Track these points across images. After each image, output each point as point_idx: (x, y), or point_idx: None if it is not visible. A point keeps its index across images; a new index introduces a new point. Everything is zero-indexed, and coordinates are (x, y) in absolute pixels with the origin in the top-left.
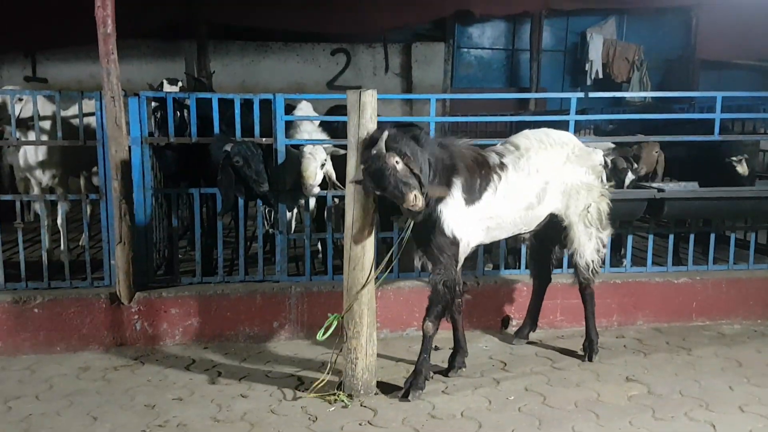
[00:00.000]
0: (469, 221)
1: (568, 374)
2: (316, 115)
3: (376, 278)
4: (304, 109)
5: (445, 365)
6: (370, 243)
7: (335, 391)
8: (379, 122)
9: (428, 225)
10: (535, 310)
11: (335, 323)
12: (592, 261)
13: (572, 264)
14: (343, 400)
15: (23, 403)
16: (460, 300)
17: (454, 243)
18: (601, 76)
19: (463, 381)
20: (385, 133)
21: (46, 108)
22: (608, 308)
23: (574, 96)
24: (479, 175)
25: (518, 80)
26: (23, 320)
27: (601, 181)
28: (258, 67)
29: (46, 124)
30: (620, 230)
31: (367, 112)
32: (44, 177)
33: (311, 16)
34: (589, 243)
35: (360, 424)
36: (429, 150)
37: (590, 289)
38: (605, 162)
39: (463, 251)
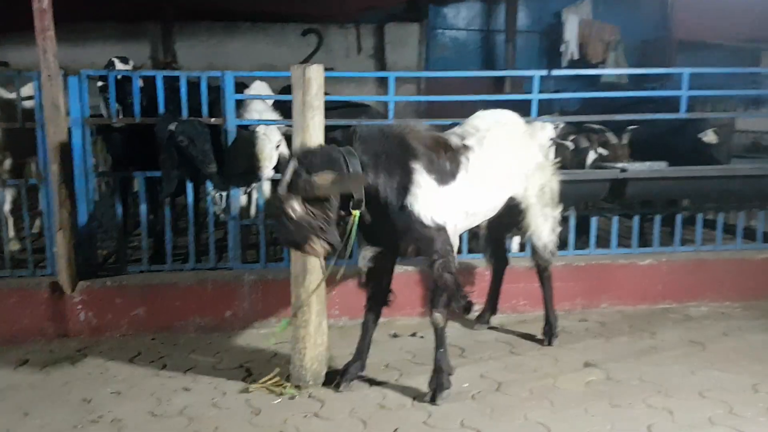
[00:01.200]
0: (448, 202)
1: (525, 360)
2: (271, 94)
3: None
4: (257, 88)
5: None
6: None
7: (283, 382)
8: (327, 100)
9: (402, 218)
10: (495, 294)
11: (284, 328)
12: (550, 241)
13: (530, 247)
14: (290, 392)
15: None
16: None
17: (440, 228)
18: (576, 57)
19: (417, 368)
20: (291, 166)
21: None
22: (571, 291)
23: (536, 74)
24: (444, 155)
25: (494, 62)
26: None
27: (549, 158)
28: (226, 49)
29: None
30: (585, 212)
31: (313, 88)
32: None
33: None
34: (545, 224)
35: (305, 417)
36: (365, 149)
37: (548, 272)
38: (574, 143)
39: (453, 233)
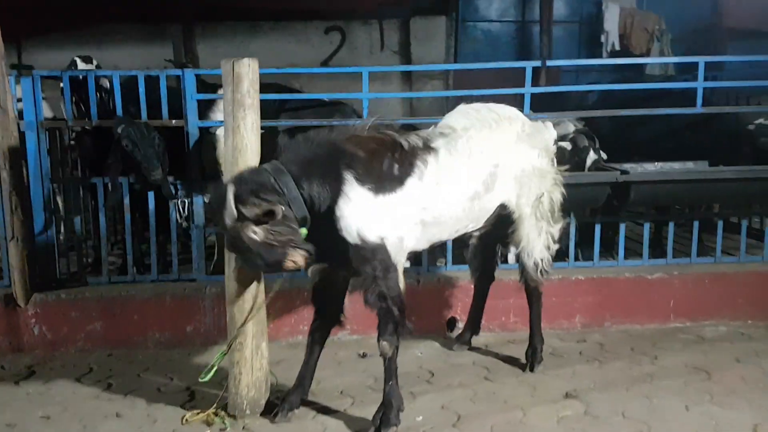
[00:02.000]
0: (390, 213)
1: (499, 388)
2: None
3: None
4: None
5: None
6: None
7: (217, 410)
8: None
9: (331, 233)
10: (477, 313)
11: (220, 360)
12: (542, 260)
13: (519, 264)
14: (221, 423)
15: None
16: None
17: (374, 247)
18: (618, 48)
19: (374, 396)
20: (230, 195)
21: None
22: (569, 308)
23: (529, 65)
24: (391, 158)
25: (530, 54)
26: None
27: (554, 164)
28: (248, 49)
29: None
30: (588, 219)
31: (243, 85)
32: None
33: None
34: (539, 239)
35: None
36: (294, 160)
37: (538, 291)
38: (572, 142)
39: (396, 250)
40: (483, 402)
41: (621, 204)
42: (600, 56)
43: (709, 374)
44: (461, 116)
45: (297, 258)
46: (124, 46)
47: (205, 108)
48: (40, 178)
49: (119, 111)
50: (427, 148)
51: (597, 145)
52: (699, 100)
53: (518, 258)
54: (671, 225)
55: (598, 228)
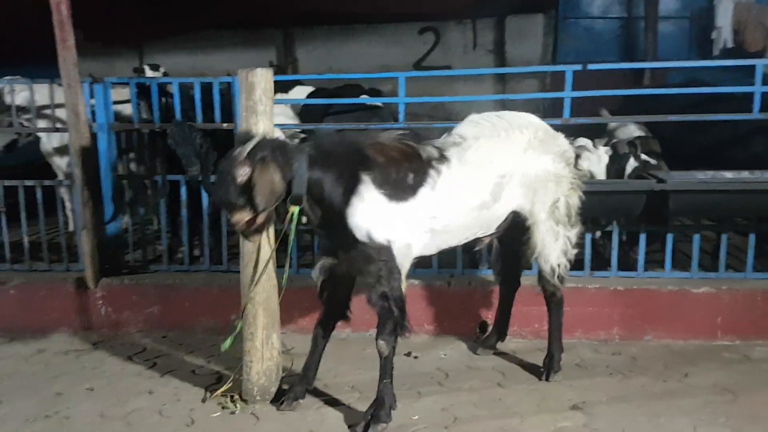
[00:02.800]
0: (400, 220)
1: (507, 394)
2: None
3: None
4: (296, 92)
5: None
6: (264, 237)
7: (235, 395)
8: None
9: (340, 229)
10: (503, 318)
11: (241, 328)
12: (559, 265)
13: (536, 269)
14: (233, 407)
15: None
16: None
17: (380, 248)
18: (730, 45)
19: None
20: (255, 140)
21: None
22: (607, 319)
23: (570, 69)
24: (408, 168)
25: (635, 52)
26: (2, 301)
27: (572, 169)
28: (343, 52)
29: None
30: (633, 228)
31: (255, 93)
32: (62, 163)
33: None
34: (556, 244)
35: None
36: (320, 151)
37: (557, 297)
38: (612, 148)
39: (402, 255)
40: (485, 407)
41: (659, 214)
42: (710, 54)
43: (735, 396)
44: (472, 126)
45: (240, 218)
46: (230, 51)
47: None
48: (110, 174)
49: (178, 115)
50: (442, 158)
51: (639, 152)
52: (756, 105)
53: (535, 264)
54: (723, 237)
55: (643, 238)
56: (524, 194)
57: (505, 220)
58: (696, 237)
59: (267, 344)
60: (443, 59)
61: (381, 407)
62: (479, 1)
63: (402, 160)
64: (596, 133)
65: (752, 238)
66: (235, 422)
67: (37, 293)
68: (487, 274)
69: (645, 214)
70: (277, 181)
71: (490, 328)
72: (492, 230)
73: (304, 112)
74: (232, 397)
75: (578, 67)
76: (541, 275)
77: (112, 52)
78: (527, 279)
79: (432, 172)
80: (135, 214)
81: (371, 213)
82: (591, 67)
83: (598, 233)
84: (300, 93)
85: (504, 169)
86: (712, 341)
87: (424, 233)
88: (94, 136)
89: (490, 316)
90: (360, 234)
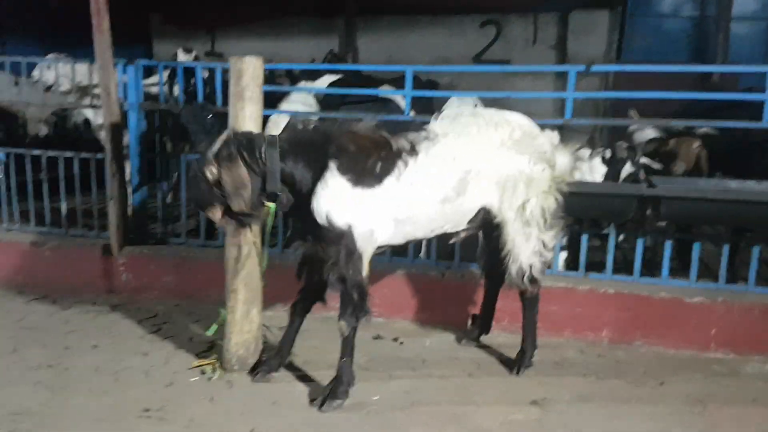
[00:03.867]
0: (363, 206)
1: (473, 385)
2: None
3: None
4: (325, 80)
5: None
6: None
7: (215, 363)
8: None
9: (306, 213)
10: (487, 312)
11: (225, 317)
12: (530, 266)
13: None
14: (211, 373)
15: None
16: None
17: (340, 232)
18: None
19: (358, 374)
20: (224, 136)
21: None
22: (597, 321)
23: (573, 69)
24: (377, 156)
25: (707, 54)
26: (38, 261)
27: (551, 171)
28: (405, 42)
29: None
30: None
31: (243, 80)
32: None
33: None
34: (526, 245)
35: (202, 398)
36: (291, 141)
37: (529, 295)
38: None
39: (363, 241)
40: (447, 394)
41: (651, 220)
42: None
43: (704, 406)
44: (445, 122)
45: (216, 215)
46: (297, 38)
47: (279, 99)
48: (138, 150)
49: (200, 97)
50: (412, 150)
51: (638, 158)
52: (766, 114)
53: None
54: (725, 247)
55: (640, 243)
56: (493, 192)
57: (476, 216)
58: (696, 245)
59: (246, 318)
60: (503, 53)
61: (339, 384)
62: None
63: (372, 149)
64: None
65: (756, 251)
66: (210, 387)
67: (69, 256)
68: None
69: (639, 219)
70: (244, 176)
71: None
72: (463, 225)
73: (325, 102)
74: (213, 364)
75: (581, 68)
76: (509, 275)
77: (188, 36)
78: None
79: (400, 162)
80: (158, 189)
81: (332, 198)
82: (594, 68)
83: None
84: (328, 82)
85: (469, 166)
86: (704, 353)
87: (389, 221)
88: (125, 114)
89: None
90: (321, 218)
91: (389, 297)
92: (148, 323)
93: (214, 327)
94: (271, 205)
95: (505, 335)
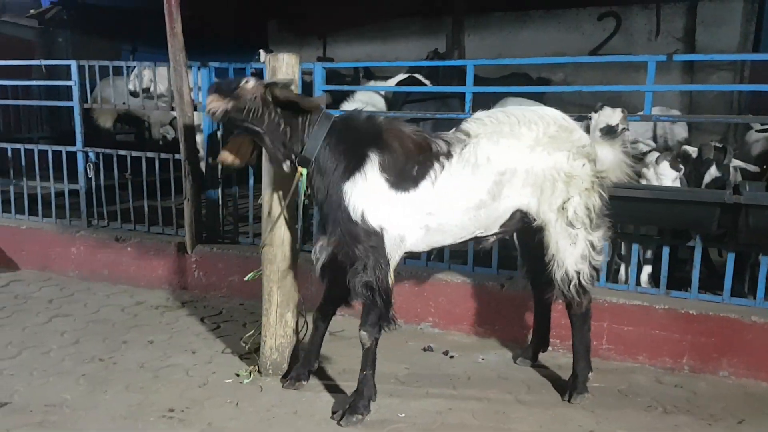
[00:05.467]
0: (398, 210)
1: (515, 410)
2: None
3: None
4: (393, 81)
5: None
6: (280, 206)
7: (253, 366)
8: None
9: (333, 204)
10: (541, 327)
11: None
12: (578, 272)
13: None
14: (245, 376)
15: (60, 318)
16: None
17: (371, 232)
18: None
19: (392, 387)
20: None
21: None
22: (678, 346)
23: (652, 59)
24: (416, 160)
25: None
26: (121, 256)
27: (593, 167)
28: (516, 39)
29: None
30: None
31: (277, 76)
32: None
33: None
34: (572, 248)
35: (228, 401)
36: (343, 125)
37: (579, 309)
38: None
39: (393, 246)
40: (482, 418)
41: (738, 231)
42: None
43: None
44: (475, 122)
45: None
46: (404, 39)
47: (342, 98)
48: (210, 152)
49: None
50: (448, 153)
51: (728, 161)
52: None
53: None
54: None
55: (731, 258)
56: (530, 193)
57: (510, 219)
58: None
59: (281, 322)
60: (624, 47)
61: (360, 398)
62: None
63: (414, 150)
64: None
65: None
66: (240, 391)
67: (148, 252)
68: None
69: (728, 230)
70: (263, 100)
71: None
72: (495, 229)
73: (392, 101)
74: (250, 366)
75: (663, 57)
76: (553, 282)
77: (302, 42)
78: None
79: (436, 166)
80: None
81: (369, 193)
82: (677, 57)
83: None
84: (396, 81)
85: (504, 167)
86: None
87: (419, 229)
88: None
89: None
90: (354, 212)
91: (445, 306)
92: (209, 321)
93: (252, 274)
94: (302, 170)
95: (569, 356)
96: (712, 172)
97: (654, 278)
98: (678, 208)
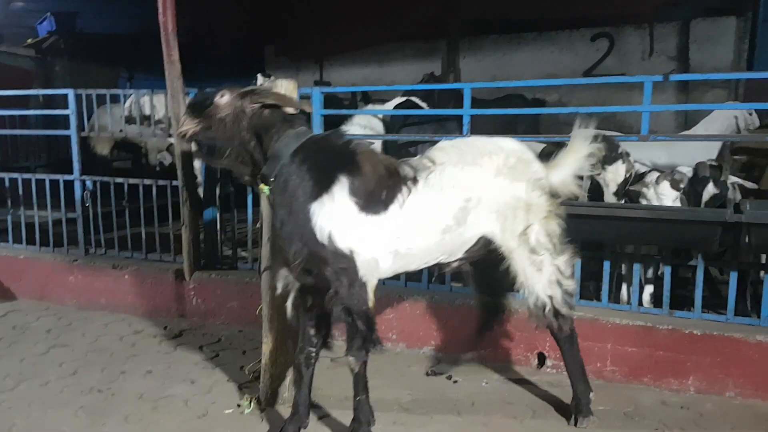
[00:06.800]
0: (368, 233)
1: None
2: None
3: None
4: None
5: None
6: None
7: (253, 395)
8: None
9: (298, 224)
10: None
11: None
12: (550, 297)
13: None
14: (247, 405)
15: (58, 348)
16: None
17: (340, 255)
18: None
19: (392, 416)
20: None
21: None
22: (681, 367)
23: (648, 80)
24: (386, 184)
25: None
26: (119, 284)
27: (548, 197)
28: (510, 60)
29: None
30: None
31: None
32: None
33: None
34: (539, 274)
35: None
36: (313, 144)
37: (563, 332)
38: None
39: (368, 268)
40: None
41: (739, 250)
42: None
43: None
44: (439, 151)
45: (186, 127)
46: (400, 63)
47: (340, 122)
48: (210, 179)
49: None
50: (414, 179)
51: (725, 179)
52: None
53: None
54: None
55: (733, 276)
56: (494, 219)
57: (475, 244)
58: None
59: (282, 349)
60: (617, 66)
61: (359, 426)
62: (661, 5)
63: (384, 175)
64: None
65: None
66: (240, 422)
67: (146, 280)
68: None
69: (729, 249)
70: (235, 116)
71: (548, 362)
72: (459, 255)
73: (390, 124)
74: (254, 397)
75: (659, 78)
76: (528, 307)
77: (299, 66)
78: (593, 310)
79: (404, 190)
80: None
81: (339, 217)
82: (673, 77)
83: None
84: (393, 104)
85: (469, 193)
86: None
87: (389, 253)
88: None
89: (548, 348)
90: (321, 234)
91: (448, 329)
92: (209, 349)
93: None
94: (264, 187)
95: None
96: (710, 189)
97: (655, 297)
98: (679, 228)
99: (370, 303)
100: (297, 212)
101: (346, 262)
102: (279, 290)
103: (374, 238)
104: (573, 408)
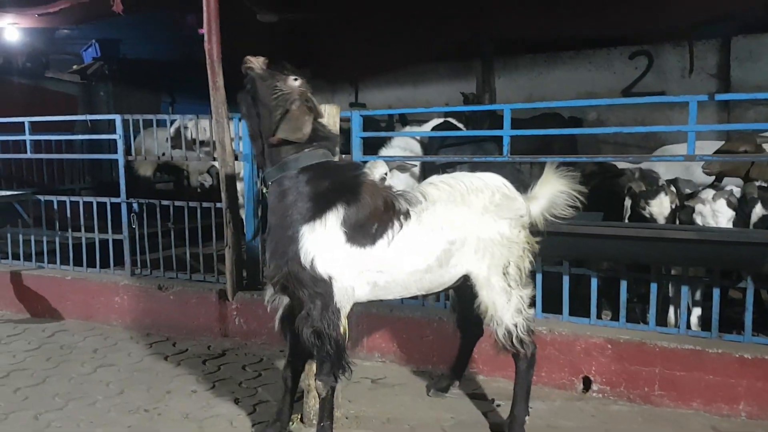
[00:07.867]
0: (351, 264)
1: None
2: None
3: None
4: (428, 126)
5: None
6: None
7: (297, 414)
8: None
9: (284, 238)
10: (460, 362)
11: None
12: (515, 325)
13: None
14: (292, 424)
15: (104, 367)
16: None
17: (318, 279)
18: None
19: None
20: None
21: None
22: (732, 391)
23: (693, 99)
24: (380, 218)
25: None
26: (163, 304)
27: (527, 234)
28: (546, 79)
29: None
30: None
31: None
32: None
33: (606, 17)
34: (508, 305)
35: None
36: (322, 165)
37: (524, 360)
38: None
39: (343, 295)
40: None
41: None
42: None
43: None
44: (431, 186)
45: (254, 63)
46: (435, 83)
47: (379, 144)
48: (251, 200)
49: None
50: (407, 213)
51: None
52: None
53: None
54: None
55: None
56: (480, 258)
57: (455, 282)
58: None
59: None
60: (656, 85)
61: None
62: (701, 22)
63: (381, 209)
64: None
65: None
66: None
67: (190, 300)
68: (585, 323)
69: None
70: (304, 122)
71: (594, 386)
72: (434, 291)
73: (428, 145)
74: (298, 416)
75: (704, 97)
76: (497, 338)
77: (334, 88)
78: (640, 334)
79: (396, 225)
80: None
81: (324, 244)
82: (719, 97)
83: None
84: (431, 126)
85: (455, 235)
86: None
87: (367, 284)
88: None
89: (594, 371)
90: (304, 257)
91: (489, 352)
92: (251, 369)
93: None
94: (263, 189)
95: (620, 403)
96: (758, 211)
97: (703, 320)
98: (728, 249)
99: (342, 329)
100: (287, 228)
101: (324, 287)
102: (266, 303)
103: (356, 269)
104: (506, 426)
